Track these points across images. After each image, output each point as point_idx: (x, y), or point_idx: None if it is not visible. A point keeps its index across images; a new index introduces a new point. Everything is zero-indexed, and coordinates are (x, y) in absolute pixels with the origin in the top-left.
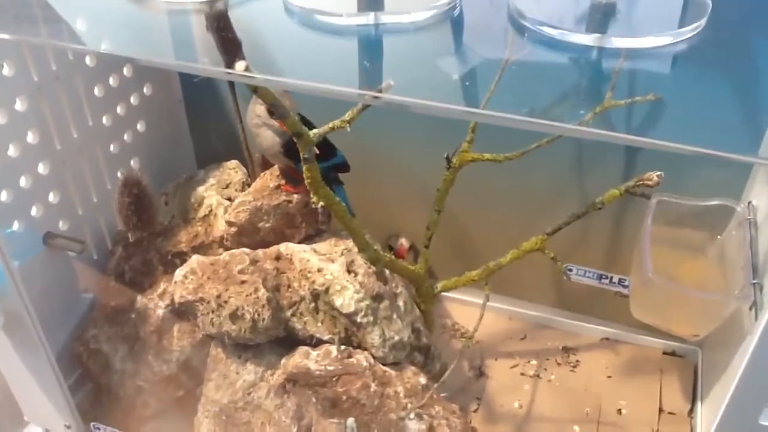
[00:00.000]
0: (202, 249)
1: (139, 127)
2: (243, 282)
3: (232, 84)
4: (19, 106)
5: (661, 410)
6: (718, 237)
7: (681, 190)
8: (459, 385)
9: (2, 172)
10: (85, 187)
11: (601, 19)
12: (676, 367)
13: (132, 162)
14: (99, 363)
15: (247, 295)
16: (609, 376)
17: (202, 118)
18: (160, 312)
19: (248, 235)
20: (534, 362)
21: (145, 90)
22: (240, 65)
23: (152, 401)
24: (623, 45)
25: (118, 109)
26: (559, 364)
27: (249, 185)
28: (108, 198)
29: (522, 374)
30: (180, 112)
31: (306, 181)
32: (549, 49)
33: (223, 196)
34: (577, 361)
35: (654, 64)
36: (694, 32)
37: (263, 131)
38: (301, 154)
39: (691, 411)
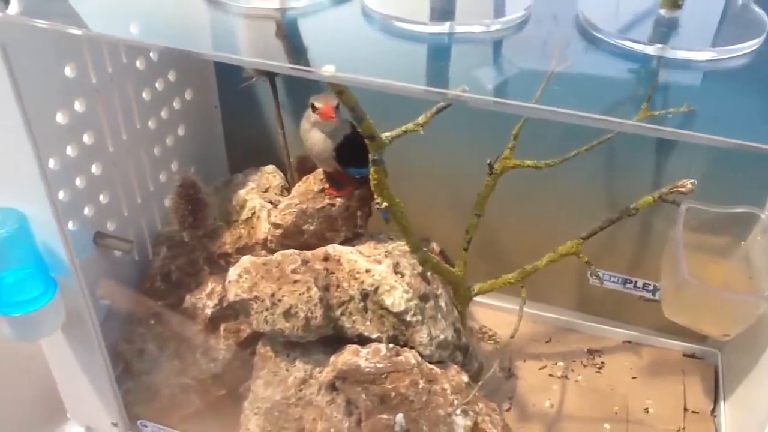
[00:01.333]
0: (245, 250)
1: (179, 131)
2: (296, 281)
3: (275, 91)
4: (78, 107)
5: (685, 409)
6: (742, 243)
7: (706, 198)
8: (491, 385)
9: (61, 171)
10: (131, 189)
11: (664, 31)
12: (696, 368)
13: (172, 165)
14: (145, 361)
15: (300, 294)
16: (634, 377)
17: (236, 123)
18: (208, 311)
19: (292, 237)
20: (561, 364)
21: (186, 95)
22: (329, 68)
23: (197, 399)
24: (683, 56)
25: (163, 113)
26: (585, 365)
27: (287, 189)
28: (150, 200)
29: (550, 375)
30: (216, 117)
31: (372, 183)
32: (614, 58)
33: (264, 200)
34: (602, 362)
35: (709, 76)
36: (752, 48)
37: (316, 135)
38: (370, 157)
39: (714, 410)
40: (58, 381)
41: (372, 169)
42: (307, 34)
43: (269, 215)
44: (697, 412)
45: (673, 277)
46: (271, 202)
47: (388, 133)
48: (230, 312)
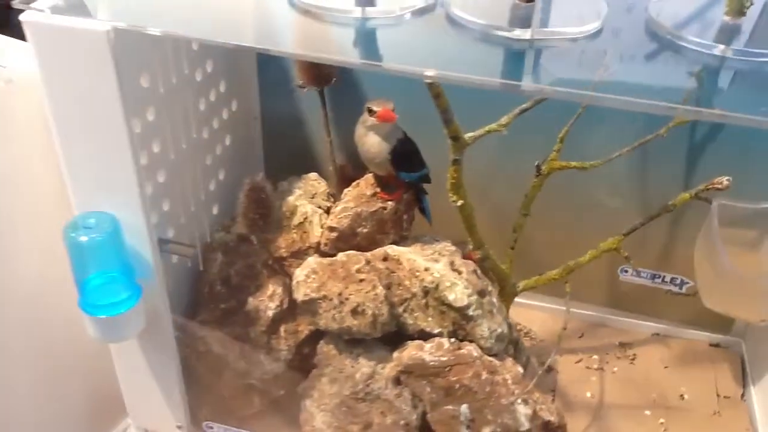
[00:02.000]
0: (299, 254)
1: (226, 141)
2: (361, 280)
3: (323, 100)
4: (150, 115)
5: (717, 395)
6: None
7: (732, 196)
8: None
9: (135, 178)
10: (187, 197)
11: (727, 35)
12: (723, 357)
13: (220, 175)
14: (209, 363)
15: (366, 293)
16: (666, 367)
17: (274, 134)
18: (270, 313)
19: (346, 240)
20: (595, 357)
21: (233, 106)
22: (431, 71)
23: (258, 400)
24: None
25: (214, 123)
26: (618, 357)
27: (332, 195)
28: (201, 208)
29: (587, 368)
30: (256, 127)
31: (450, 182)
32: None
33: (313, 205)
34: (634, 354)
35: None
36: None
37: (371, 139)
38: (451, 156)
39: (743, 395)
40: (123, 383)
41: (452, 169)
42: (393, 40)
43: (321, 220)
44: (729, 397)
45: (711, 269)
46: (320, 208)
47: (470, 134)
48: (289, 314)
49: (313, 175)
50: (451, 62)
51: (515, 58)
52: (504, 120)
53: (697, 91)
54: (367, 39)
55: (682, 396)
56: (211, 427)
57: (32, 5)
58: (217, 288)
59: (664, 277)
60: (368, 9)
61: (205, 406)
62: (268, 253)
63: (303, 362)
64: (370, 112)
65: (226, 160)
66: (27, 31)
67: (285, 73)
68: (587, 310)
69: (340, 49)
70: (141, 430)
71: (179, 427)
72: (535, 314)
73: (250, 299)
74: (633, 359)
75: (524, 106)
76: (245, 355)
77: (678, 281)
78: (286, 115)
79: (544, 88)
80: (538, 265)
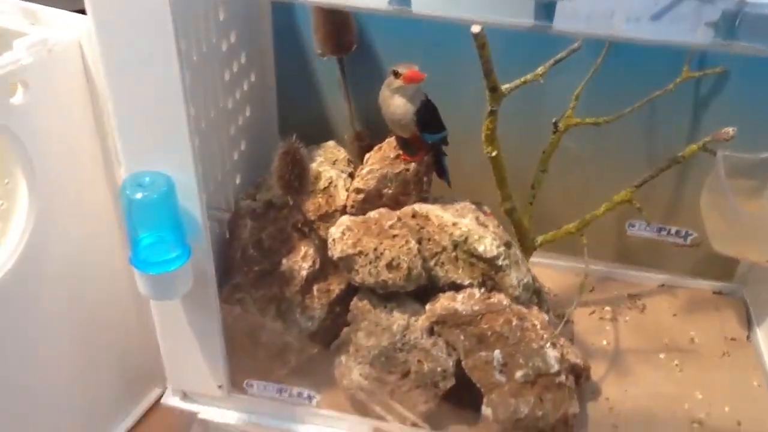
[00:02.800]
0: (326, 218)
1: (247, 112)
2: (395, 236)
3: (343, 69)
4: (187, 80)
5: (724, 337)
6: None
7: (733, 148)
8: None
9: (189, 138)
10: (215, 165)
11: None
12: (726, 303)
13: (242, 145)
14: (246, 324)
15: (400, 247)
16: (674, 314)
17: (289, 104)
18: (303, 273)
19: (372, 201)
20: (608, 308)
21: (251, 77)
22: (476, 27)
23: (293, 358)
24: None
25: (237, 94)
26: (629, 308)
27: (352, 161)
28: (227, 176)
29: (601, 318)
30: (272, 99)
31: (486, 133)
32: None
33: (337, 170)
34: (644, 305)
35: None
36: None
37: (397, 101)
38: (489, 107)
39: (749, 336)
40: (165, 345)
41: (488, 120)
42: None
43: (345, 183)
44: (735, 339)
45: (720, 215)
46: (342, 172)
47: (507, 85)
48: (321, 274)
49: (331, 143)
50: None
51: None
52: (540, 70)
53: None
54: None
55: (692, 340)
56: (251, 385)
57: None
58: (249, 252)
59: (669, 230)
60: None
61: (241, 366)
62: (302, 214)
63: (335, 321)
64: (396, 74)
65: (247, 131)
66: None
67: (299, 45)
68: (597, 266)
69: None
70: (179, 393)
71: (219, 387)
72: (546, 272)
73: (284, 261)
74: (643, 309)
75: (559, 56)
76: (282, 314)
77: (683, 233)
78: (300, 86)
79: (575, 26)
80: (555, 220)
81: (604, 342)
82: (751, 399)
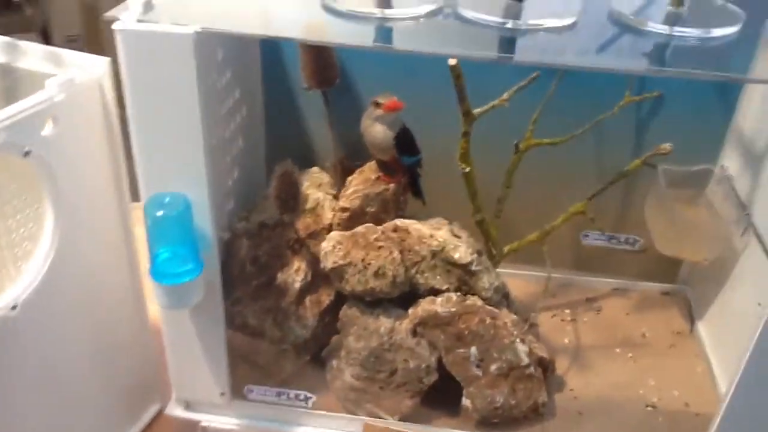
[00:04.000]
0: (314, 235)
1: (239, 142)
2: (380, 247)
3: (327, 100)
4: None
5: (671, 332)
6: (704, 193)
7: (671, 162)
8: None
9: (205, 162)
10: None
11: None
12: (672, 302)
13: (235, 173)
14: (247, 333)
15: (385, 257)
16: (627, 313)
17: (275, 135)
18: (297, 285)
19: (356, 219)
20: (567, 311)
21: (243, 111)
22: (452, 60)
23: (288, 365)
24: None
25: (231, 125)
26: (587, 310)
27: (335, 185)
28: (223, 201)
29: (561, 320)
30: (261, 130)
31: (461, 152)
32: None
33: (323, 193)
34: (600, 307)
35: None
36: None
37: (378, 127)
38: (462, 129)
39: (692, 329)
40: (172, 356)
41: (463, 140)
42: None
43: (331, 204)
44: (680, 332)
45: (663, 221)
46: (328, 194)
47: (478, 109)
48: (312, 286)
49: (315, 168)
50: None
51: (509, 42)
52: (506, 95)
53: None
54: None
55: (643, 335)
56: (252, 390)
57: (120, 16)
58: (247, 268)
59: (619, 237)
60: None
61: (246, 373)
62: (296, 232)
63: (325, 329)
64: (377, 104)
65: (240, 160)
66: (118, 38)
67: (285, 81)
68: (557, 274)
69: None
70: (182, 403)
71: (222, 394)
72: (511, 281)
73: (279, 275)
74: (599, 311)
75: (522, 83)
76: (279, 324)
77: (631, 240)
78: (286, 118)
79: (532, 58)
80: (519, 232)
81: (566, 340)
82: (697, 383)
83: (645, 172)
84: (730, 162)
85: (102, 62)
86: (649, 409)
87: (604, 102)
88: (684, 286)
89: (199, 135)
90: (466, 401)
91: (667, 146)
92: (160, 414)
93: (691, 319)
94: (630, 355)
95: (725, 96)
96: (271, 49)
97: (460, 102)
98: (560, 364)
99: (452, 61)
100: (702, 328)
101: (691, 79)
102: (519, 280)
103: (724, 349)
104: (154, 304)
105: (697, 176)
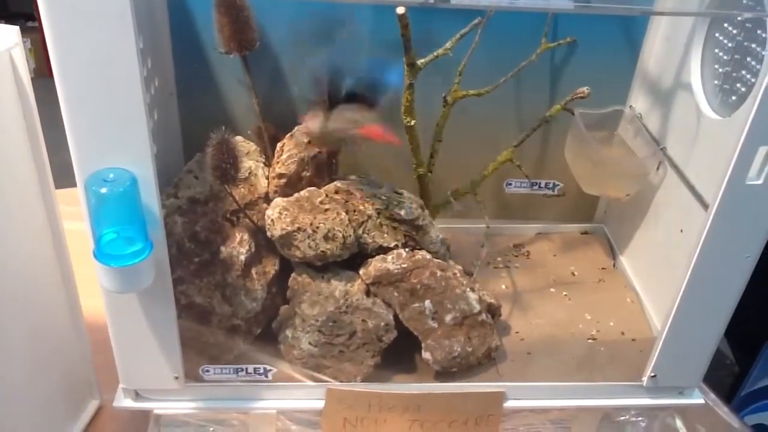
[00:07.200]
0: (250, 205)
1: (155, 116)
2: (326, 210)
3: (247, 65)
4: None
5: (597, 268)
6: (616, 132)
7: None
8: None
9: (147, 132)
10: None
11: None
12: (594, 240)
13: (154, 148)
14: (195, 312)
15: (332, 219)
16: (554, 255)
17: (189, 106)
18: (242, 257)
19: (292, 185)
20: (499, 259)
21: (156, 82)
22: (401, 9)
23: (240, 340)
24: None
25: (147, 99)
26: (516, 256)
27: (264, 153)
28: None
29: (495, 267)
30: (173, 102)
31: (404, 105)
32: None
33: (253, 161)
34: (528, 251)
35: None
36: None
37: None
38: (407, 81)
39: (614, 264)
40: (119, 344)
41: (407, 92)
42: None
43: (264, 172)
44: (605, 268)
45: (584, 161)
46: (258, 162)
47: (422, 60)
48: (256, 257)
49: (239, 137)
50: None
51: None
52: (448, 44)
53: None
54: None
55: (573, 273)
56: (208, 370)
57: None
58: (186, 246)
59: (540, 183)
60: None
61: (199, 353)
62: (236, 202)
63: (272, 300)
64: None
65: (157, 135)
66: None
67: (196, 47)
68: (481, 225)
69: None
70: (130, 393)
71: (176, 378)
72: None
73: (223, 248)
74: (528, 255)
75: (464, 30)
76: (228, 299)
77: (551, 185)
78: (199, 88)
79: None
80: (448, 185)
81: (503, 287)
82: (629, 312)
83: (560, 117)
84: (637, 102)
85: (12, 32)
86: (590, 341)
87: (523, 50)
88: (600, 225)
89: (140, 104)
90: (426, 354)
91: (585, 90)
92: (101, 409)
93: (614, 254)
94: (564, 293)
95: (631, 39)
96: (180, 10)
97: (406, 52)
98: (503, 309)
99: (400, 9)
100: (625, 261)
101: (601, 14)
102: (447, 232)
103: (649, 278)
104: (87, 297)
105: (609, 118)
